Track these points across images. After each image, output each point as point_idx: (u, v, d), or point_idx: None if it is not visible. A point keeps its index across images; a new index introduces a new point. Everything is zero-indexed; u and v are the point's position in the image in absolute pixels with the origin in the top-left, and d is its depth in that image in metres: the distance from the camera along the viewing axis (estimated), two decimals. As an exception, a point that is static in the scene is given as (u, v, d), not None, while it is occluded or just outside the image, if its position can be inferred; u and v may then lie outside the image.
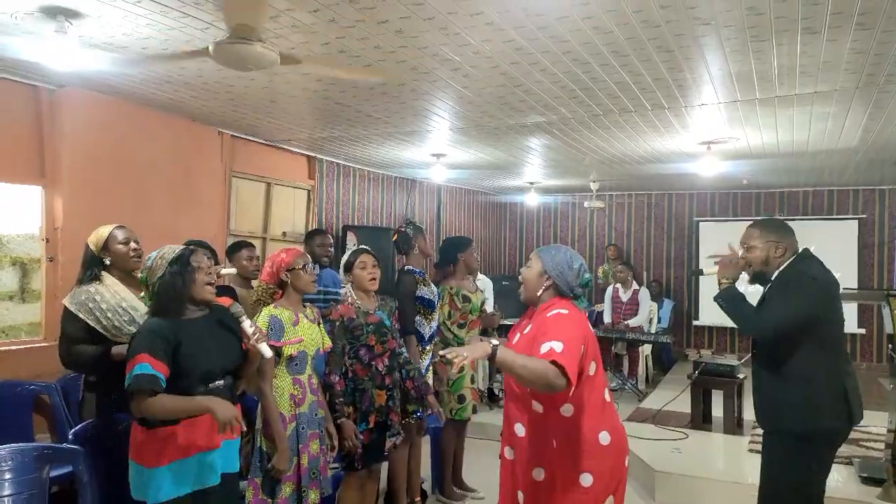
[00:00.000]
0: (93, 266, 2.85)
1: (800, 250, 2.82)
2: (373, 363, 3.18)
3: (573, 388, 2.11)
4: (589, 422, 2.24)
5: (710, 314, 9.37)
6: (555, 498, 2.23)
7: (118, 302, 2.77)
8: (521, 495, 2.35)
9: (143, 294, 2.83)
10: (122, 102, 4.46)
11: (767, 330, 2.69)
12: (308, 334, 2.91)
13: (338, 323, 3.12)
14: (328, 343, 3.04)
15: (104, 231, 2.92)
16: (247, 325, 2.38)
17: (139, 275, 2.35)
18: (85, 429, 2.67)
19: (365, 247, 3.37)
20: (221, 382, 2.34)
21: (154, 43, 3.26)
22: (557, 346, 2.10)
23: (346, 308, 3.18)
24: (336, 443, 3.00)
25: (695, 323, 9.53)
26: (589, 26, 2.99)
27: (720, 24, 2.95)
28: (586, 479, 2.21)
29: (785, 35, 3.06)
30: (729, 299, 2.81)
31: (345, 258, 3.32)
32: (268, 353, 2.41)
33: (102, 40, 3.22)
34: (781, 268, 2.78)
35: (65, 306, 2.76)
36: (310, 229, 6.37)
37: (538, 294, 2.38)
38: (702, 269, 3.16)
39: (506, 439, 2.44)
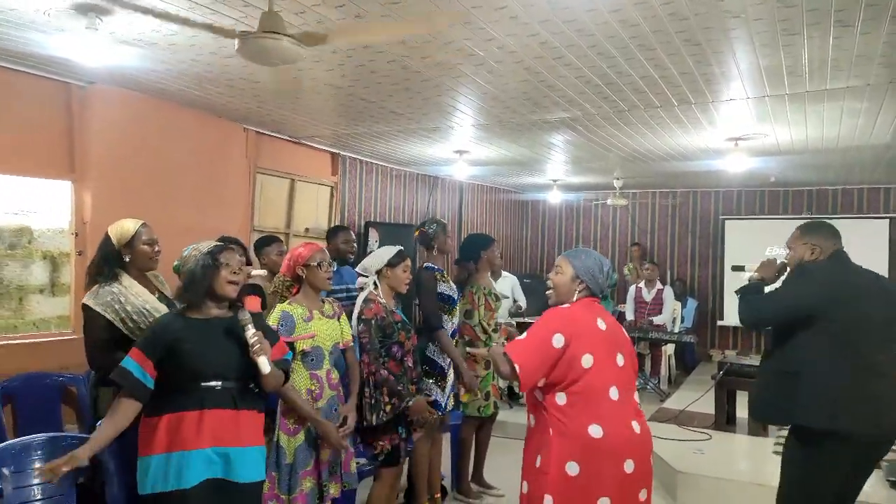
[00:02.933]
0: (113, 262, 2.73)
1: (838, 249, 2.77)
2: (404, 359, 3.19)
3: (524, 376, 2.27)
4: (581, 413, 2.28)
5: (735, 314, 9.20)
6: (546, 483, 2.28)
7: (142, 303, 2.70)
8: (524, 485, 2.41)
9: (157, 295, 2.83)
10: (149, 99, 4.52)
11: (752, 311, 2.81)
12: (322, 329, 2.90)
13: (373, 321, 3.13)
14: (347, 338, 3.03)
15: (130, 226, 2.80)
16: (250, 334, 2.31)
17: (175, 263, 2.36)
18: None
19: (403, 249, 3.37)
20: (219, 384, 2.28)
21: (181, 39, 3.30)
22: (521, 336, 2.37)
23: (377, 307, 3.18)
24: (351, 421, 2.94)
25: (719, 323, 9.40)
26: (615, 19, 2.96)
27: (750, 16, 2.90)
28: (573, 468, 2.25)
29: (817, 28, 3.00)
30: (744, 290, 2.90)
31: (389, 254, 3.28)
32: (265, 368, 2.30)
33: (132, 37, 3.26)
34: (819, 259, 2.78)
35: (88, 306, 2.64)
36: (332, 226, 6.40)
37: (573, 299, 2.47)
38: (744, 266, 3.20)
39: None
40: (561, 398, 2.31)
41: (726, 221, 9.37)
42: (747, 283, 2.93)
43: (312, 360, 2.87)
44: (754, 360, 6.42)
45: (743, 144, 5.51)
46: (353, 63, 3.67)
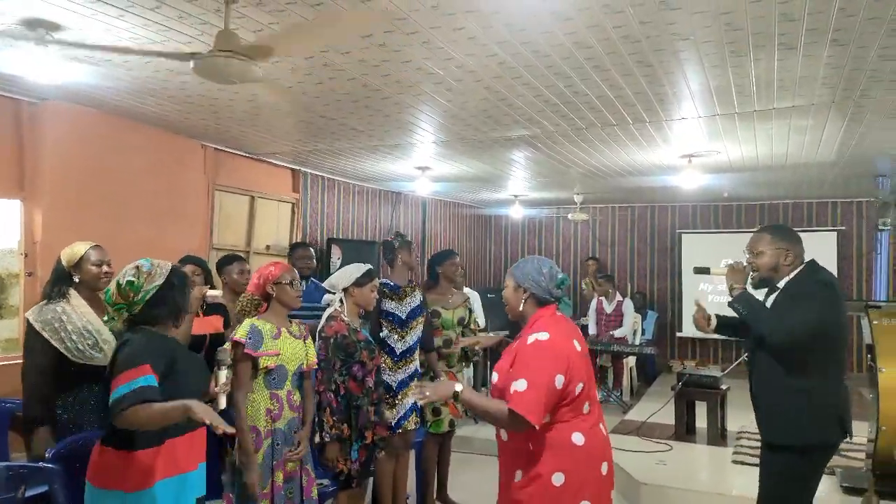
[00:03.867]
0: (61, 282, 2.82)
1: (806, 260, 2.83)
2: (366, 379, 3.17)
3: (541, 423, 2.19)
4: (564, 426, 2.28)
5: (693, 326, 9.43)
6: (531, 496, 2.26)
7: (84, 324, 2.72)
8: (503, 499, 2.39)
9: (106, 318, 2.73)
10: (103, 115, 4.43)
11: (782, 334, 2.65)
12: (289, 349, 2.88)
13: (332, 340, 3.10)
14: (312, 360, 3.01)
15: (79, 249, 2.89)
16: (223, 374, 2.35)
17: (128, 280, 2.22)
18: (62, 447, 2.62)
19: (372, 268, 3.36)
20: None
21: (136, 56, 3.25)
22: (521, 387, 2.20)
23: (339, 325, 3.16)
24: (303, 447, 2.93)
25: (678, 334, 9.59)
26: (570, 41, 3.03)
27: (699, 39, 3.00)
28: (558, 479, 2.24)
29: (762, 50, 3.12)
30: (745, 302, 2.81)
31: (357, 272, 3.26)
32: (222, 404, 2.33)
33: (84, 53, 3.20)
34: (790, 276, 2.78)
35: (28, 322, 2.70)
36: (291, 243, 6.35)
37: (520, 309, 2.42)
38: (709, 268, 3.16)
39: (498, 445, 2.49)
40: (545, 418, 2.28)
41: (683, 235, 9.60)
42: (731, 293, 2.88)
43: (275, 378, 2.84)
44: (713, 370, 6.56)
45: (696, 161, 5.66)
46: (313, 80, 3.67)
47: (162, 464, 2.18)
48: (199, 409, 2.03)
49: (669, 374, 9.30)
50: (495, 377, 2.41)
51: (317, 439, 3.07)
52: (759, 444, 2.93)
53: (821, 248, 8.64)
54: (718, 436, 5.45)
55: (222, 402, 2.32)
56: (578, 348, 2.40)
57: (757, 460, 2.76)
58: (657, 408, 5.88)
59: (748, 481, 2.81)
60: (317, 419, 3.05)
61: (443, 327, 4.17)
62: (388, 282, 3.85)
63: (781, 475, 2.74)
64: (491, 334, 3.38)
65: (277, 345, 2.84)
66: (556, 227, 10.50)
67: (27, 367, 2.73)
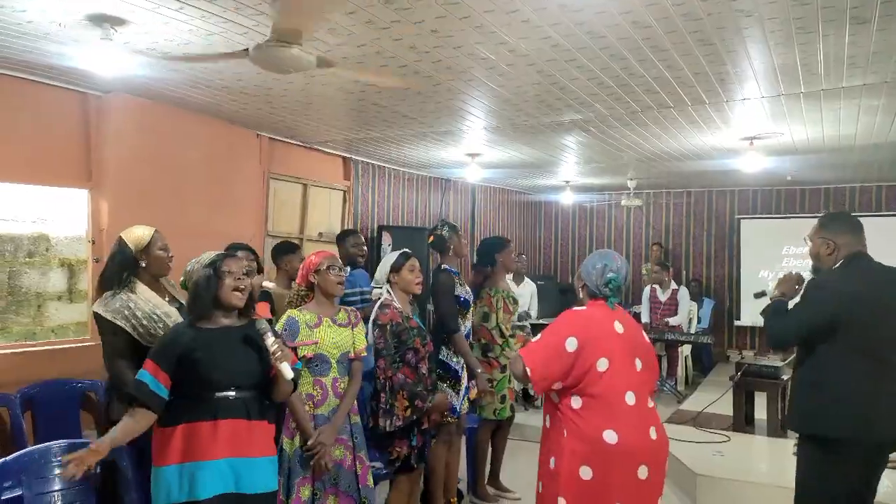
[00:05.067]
0: (128, 268, 2.74)
1: (857, 251, 2.69)
2: (419, 366, 3.18)
3: (536, 379, 2.31)
4: (595, 417, 2.28)
5: (752, 314, 9.14)
6: (559, 485, 2.28)
7: (152, 309, 2.71)
8: (539, 485, 2.42)
9: (168, 299, 2.84)
10: (163, 107, 4.56)
11: (780, 339, 2.78)
12: (328, 337, 2.88)
13: (388, 327, 3.12)
14: (360, 347, 2.99)
15: (145, 233, 2.82)
16: (270, 341, 2.31)
17: (181, 279, 2.38)
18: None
19: (408, 251, 3.36)
20: (232, 394, 2.27)
21: (195, 48, 3.32)
22: (534, 340, 2.42)
23: (392, 313, 3.17)
24: (326, 439, 2.87)
25: (736, 323, 9.31)
26: (627, 21, 2.94)
27: (764, 15, 2.87)
28: (586, 472, 2.24)
29: (832, 25, 2.96)
30: (767, 312, 2.84)
31: (391, 259, 3.30)
32: (288, 374, 2.30)
33: (146, 46, 3.29)
34: (834, 267, 2.70)
35: (99, 315, 2.66)
36: (341, 230, 6.42)
37: (580, 297, 2.53)
38: (765, 291, 3.07)
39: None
40: (576, 401, 2.31)
41: (742, 221, 9.28)
42: (769, 303, 2.87)
43: (317, 365, 2.85)
44: (773, 360, 6.35)
45: (758, 143, 5.45)
46: (365, 69, 3.68)
47: (177, 447, 2.22)
48: (81, 452, 2.09)
49: (726, 364, 9.06)
50: None
51: (373, 423, 3.09)
52: None
53: (890, 233, 8.22)
54: (778, 427, 5.27)
55: (287, 371, 2.28)
56: (620, 329, 2.38)
57: None
58: (714, 398, 5.74)
59: None
60: (376, 406, 3.07)
61: (514, 313, 4.19)
62: (451, 267, 3.85)
63: (805, 465, 2.74)
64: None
65: (316, 334, 2.85)
66: (607, 213, 10.31)
67: (107, 354, 2.71)
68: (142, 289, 2.75)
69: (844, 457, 2.60)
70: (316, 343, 2.84)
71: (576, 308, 2.48)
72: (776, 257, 9.00)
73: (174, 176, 4.73)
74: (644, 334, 2.56)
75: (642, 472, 2.28)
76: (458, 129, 5.30)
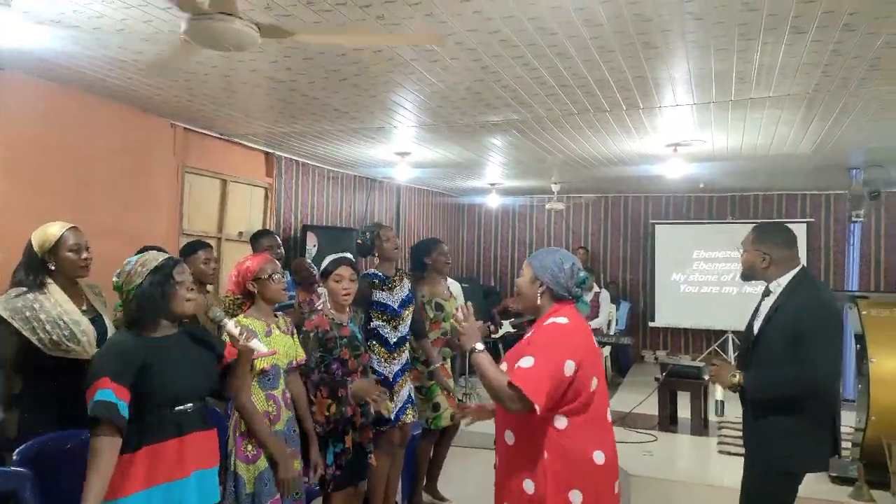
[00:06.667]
0: (36, 271, 2.52)
1: (797, 266, 2.66)
2: (347, 379, 2.97)
3: (544, 408, 2.02)
4: (585, 438, 2.13)
5: (666, 316, 9.51)
6: None
7: (59, 314, 2.47)
8: None
9: (84, 307, 2.61)
10: (66, 89, 4.11)
11: (828, 384, 2.56)
12: (281, 346, 2.68)
13: (312, 334, 2.91)
14: (302, 355, 2.81)
15: (53, 231, 2.57)
16: (231, 326, 2.18)
17: (113, 280, 2.09)
18: (32, 448, 2.37)
19: (346, 256, 3.14)
20: (191, 405, 2.10)
21: (108, 22, 2.98)
22: (527, 363, 2.05)
23: (320, 319, 2.97)
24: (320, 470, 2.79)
25: (650, 324, 9.65)
26: (580, 18, 2.89)
27: (711, 20, 2.90)
28: (576, 497, 2.09)
29: (773, 33, 3.04)
30: (758, 388, 2.60)
31: (323, 264, 3.11)
32: (263, 348, 2.22)
33: (50, 17, 2.91)
34: (782, 285, 2.63)
35: None
36: (272, 228, 6.10)
37: (537, 303, 2.28)
38: (721, 400, 3.02)
39: (497, 446, 2.31)
40: (561, 422, 2.12)
41: (656, 226, 9.64)
42: (734, 389, 2.65)
43: (269, 379, 2.62)
44: (688, 360, 6.62)
45: (682, 150, 5.62)
46: (301, 56, 3.45)
47: (141, 472, 1.98)
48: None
49: (642, 364, 9.38)
50: (504, 367, 2.26)
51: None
52: (740, 433, 2.86)
53: (790, 239, 8.80)
54: (701, 426, 5.46)
55: (259, 347, 2.22)
56: (595, 343, 2.29)
57: (741, 450, 2.69)
58: (634, 398, 5.88)
59: (735, 473, 2.77)
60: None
61: (443, 320, 4.03)
62: (377, 272, 3.68)
63: (763, 489, 2.64)
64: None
65: (271, 343, 2.63)
66: (529, 216, 10.44)
67: None
68: (54, 290, 2.47)
69: (801, 478, 2.63)
70: (275, 353, 2.59)
71: (557, 322, 2.19)
72: (687, 261, 9.41)
73: (78, 166, 4.28)
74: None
75: (617, 487, 2.22)
76: (391, 126, 5.13)
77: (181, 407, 2.07)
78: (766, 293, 2.72)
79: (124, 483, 1.96)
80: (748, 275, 2.83)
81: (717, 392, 2.91)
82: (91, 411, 1.91)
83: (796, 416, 2.53)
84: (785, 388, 2.54)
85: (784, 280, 2.65)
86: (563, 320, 2.18)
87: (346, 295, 3.04)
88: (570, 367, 2.08)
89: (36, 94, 3.98)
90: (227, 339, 2.30)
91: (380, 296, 3.59)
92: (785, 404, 2.55)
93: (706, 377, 5.63)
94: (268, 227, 6.16)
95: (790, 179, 7.79)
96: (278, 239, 4.73)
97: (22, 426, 2.51)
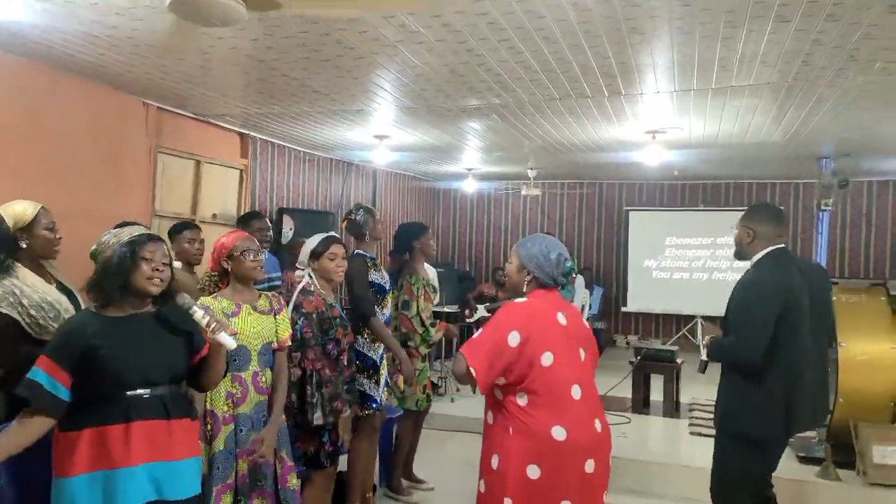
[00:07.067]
0: (6, 249, 2.41)
1: (777, 245, 2.83)
2: (340, 358, 2.97)
3: (482, 379, 2.19)
4: (543, 414, 2.19)
5: (638, 301, 9.66)
6: (504, 485, 2.18)
7: (41, 296, 2.41)
8: (481, 484, 2.31)
9: (55, 284, 2.54)
10: (34, 65, 3.95)
11: (752, 349, 2.71)
12: (249, 327, 2.63)
13: (314, 315, 2.89)
14: (283, 336, 2.75)
15: (27, 209, 2.50)
16: (199, 315, 2.08)
17: (92, 248, 2.03)
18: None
19: (335, 235, 3.13)
20: (147, 391, 1.99)
21: (83, -7, 2.87)
22: (475, 336, 2.26)
23: (318, 300, 2.95)
24: (269, 444, 2.66)
25: (623, 309, 9.79)
26: (568, 1, 2.87)
27: (699, 6, 2.90)
28: (533, 472, 2.16)
29: (758, 21, 3.06)
30: (711, 352, 2.95)
31: (313, 244, 3.07)
32: (231, 343, 2.12)
33: (21, -14, 2.79)
34: (756, 257, 2.83)
35: None
36: (243, 211, 5.99)
37: (524, 290, 2.37)
38: (706, 360, 3.09)
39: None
40: (522, 398, 2.21)
41: (630, 212, 9.74)
42: (712, 345, 2.96)
43: (235, 360, 2.57)
44: (658, 344, 6.72)
45: (660, 137, 5.67)
46: (282, 34, 3.37)
47: (84, 454, 1.91)
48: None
49: (615, 348, 9.52)
50: None
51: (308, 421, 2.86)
52: (711, 415, 3.09)
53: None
54: (673, 408, 5.57)
55: (227, 342, 2.07)
56: (563, 321, 2.32)
57: (712, 431, 2.85)
58: (608, 381, 5.94)
59: (708, 453, 2.88)
60: (300, 400, 2.83)
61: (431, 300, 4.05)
62: (366, 253, 3.67)
63: (730, 462, 2.83)
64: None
65: (234, 323, 2.59)
66: (505, 202, 10.46)
67: None
68: (25, 273, 2.38)
69: (771, 453, 2.75)
70: (235, 334, 2.55)
71: (516, 300, 2.34)
72: (660, 247, 9.55)
73: (47, 146, 4.12)
74: (585, 323, 2.52)
75: (589, 465, 2.23)
76: (371, 109, 5.06)
77: (133, 392, 1.97)
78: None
79: (70, 461, 1.91)
80: (738, 252, 2.98)
81: (703, 352, 3.06)
82: (18, 389, 1.89)
83: (750, 383, 2.74)
84: (721, 355, 2.87)
85: (759, 255, 2.79)
86: (519, 300, 2.33)
87: (339, 272, 3.07)
88: (514, 338, 2.18)
89: (2, 69, 3.82)
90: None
91: (374, 276, 3.59)
92: (740, 372, 2.76)
93: (678, 361, 5.75)
94: (243, 209, 6.07)
95: (761, 168, 7.94)
96: (268, 222, 4.68)
97: (8, 410, 2.43)
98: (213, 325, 2.04)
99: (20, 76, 3.91)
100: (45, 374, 1.89)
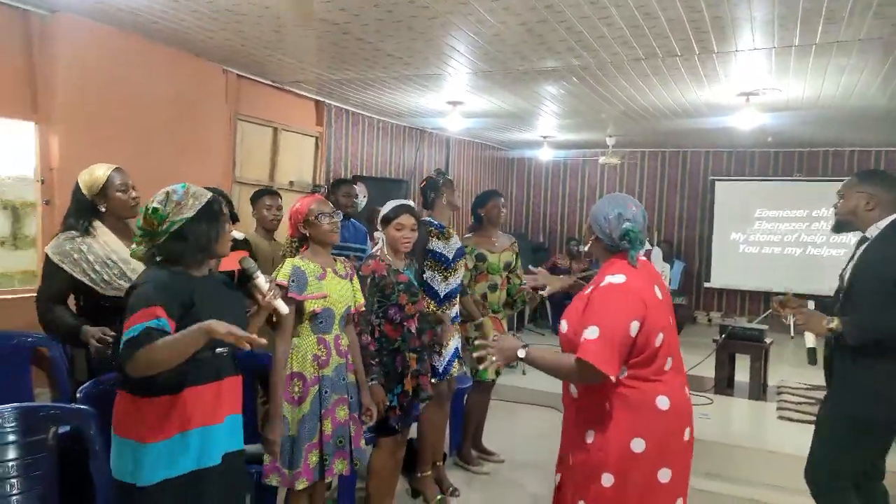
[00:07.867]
0: (86, 213, 2.55)
1: None
2: (404, 324, 2.95)
3: (617, 374, 2.04)
4: (648, 387, 2.08)
5: (722, 276, 9.20)
6: (605, 461, 2.09)
7: (107, 254, 2.50)
8: (570, 458, 2.21)
9: (133, 246, 2.60)
10: (119, 32, 4.06)
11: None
12: (336, 290, 2.65)
13: (369, 279, 2.88)
14: (360, 300, 2.79)
15: (100, 173, 2.58)
16: (261, 280, 2.13)
17: (155, 206, 1.96)
18: (94, 386, 2.40)
19: (408, 203, 3.07)
20: (226, 349, 2.04)
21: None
22: (592, 334, 2.03)
23: (377, 264, 2.94)
24: (373, 412, 2.78)
25: (705, 285, 9.36)
26: (660, -53, 2.65)
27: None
28: (638, 445, 2.06)
29: (877, -36, 2.74)
30: (861, 331, 2.51)
31: (384, 211, 3.04)
32: (284, 308, 2.19)
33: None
34: (880, 227, 2.55)
35: (47, 255, 2.51)
36: (319, 179, 6.07)
37: (593, 255, 2.28)
38: (813, 348, 2.78)
39: (563, 399, 2.31)
40: (622, 372, 2.09)
41: (716, 182, 9.23)
42: (832, 333, 2.59)
43: (322, 322, 2.60)
44: (744, 321, 6.37)
45: (754, 100, 5.28)
46: (356, -5, 3.30)
47: (179, 415, 1.94)
48: (221, 327, 1.77)
49: (695, 325, 9.15)
50: (564, 326, 2.20)
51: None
52: (801, 400, 2.80)
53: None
54: (760, 390, 5.28)
55: (281, 307, 2.20)
56: (660, 296, 2.17)
57: (803, 417, 2.61)
58: (689, 359, 5.67)
59: (797, 439, 2.62)
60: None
61: (488, 272, 3.94)
62: (433, 220, 3.60)
63: (843, 445, 2.59)
64: (562, 277, 3.08)
65: (323, 286, 2.60)
66: (581, 171, 10.14)
67: (40, 298, 2.56)
68: (102, 231, 2.50)
69: (884, 435, 2.54)
70: (325, 296, 2.58)
71: (613, 281, 2.09)
72: (748, 219, 9.02)
73: (133, 112, 4.26)
74: (667, 290, 2.37)
75: (686, 434, 2.16)
76: (445, 73, 4.94)
77: (220, 350, 2.02)
78: (863, 241, 2.61)
79: (167, 424, 1.92)
80: (844, 223, 2.72)
81: (808, 339, 2.74)
82: (149, 337, 1.78)
83: (881, 363, 2.47)
84: (884, 330, 2.47)
85: (883, 223, 2.56)
86: (619, 279, 2.09)
87: (405, 243, 3.01)
88: (634, 327, 2.04)
89: (90, 38, 3.94)
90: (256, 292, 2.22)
91: (436, 244, 3.52)
92: (888, 348, 2.46)
93: (767, 340, 5.42)
94: (319, 176, 6.14)
95: (864, 134, 7.29)
96: (356, 188, 4.71)
97: (94, 367, 2.55)
98: (272, 292, 2.14)
99: (103, 42, 4.01)
100: (168, 324, 1.85)
